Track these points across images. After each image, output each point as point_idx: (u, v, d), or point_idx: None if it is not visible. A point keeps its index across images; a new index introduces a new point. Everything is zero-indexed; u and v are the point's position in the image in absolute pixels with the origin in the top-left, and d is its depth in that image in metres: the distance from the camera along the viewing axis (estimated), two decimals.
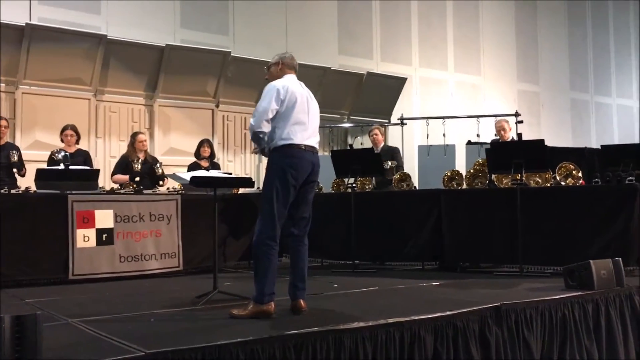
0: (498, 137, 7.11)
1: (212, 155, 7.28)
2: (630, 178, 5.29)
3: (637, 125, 15.36)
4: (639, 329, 4.34)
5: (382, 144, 7.33)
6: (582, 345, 4.02)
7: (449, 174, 6.36)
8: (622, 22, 15.39)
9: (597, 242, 5.19)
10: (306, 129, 3.72)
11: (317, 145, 3.83)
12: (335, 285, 5.02)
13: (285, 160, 3.65)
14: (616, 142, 13.73)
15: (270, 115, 3.66)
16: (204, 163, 7.06)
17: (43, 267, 5.28)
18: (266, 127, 3.67)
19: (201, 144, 7.22)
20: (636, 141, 12.75)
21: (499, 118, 7.47)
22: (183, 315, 3.75)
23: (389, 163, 6.91)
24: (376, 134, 7.29)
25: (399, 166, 7.20)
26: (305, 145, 3.69)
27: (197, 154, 7.20)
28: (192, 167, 6.93)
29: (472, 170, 6.28)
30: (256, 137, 3.74)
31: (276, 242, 3.64)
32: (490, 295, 4.20)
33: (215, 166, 7.18)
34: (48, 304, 4.20)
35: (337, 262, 6.46)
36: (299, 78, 3.96)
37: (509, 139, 6.91)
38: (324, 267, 6.46)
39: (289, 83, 3.77)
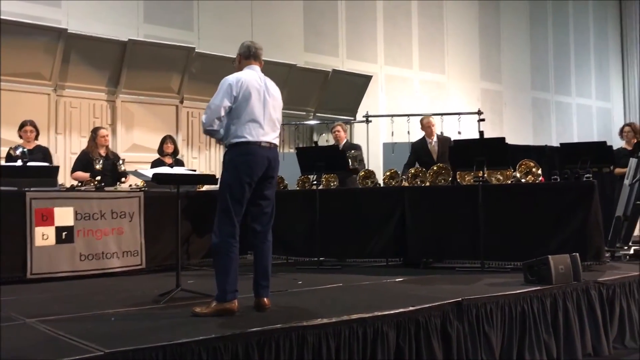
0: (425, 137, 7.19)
1: (176, 151, 7.20)
2: (588, 175, 5.42)
3: (595, 123, 15.77)
4: (595, 322, 4.46)
5: (345, 140, 7.36)
6: (540, 339, 4.11)
7: (412, 171, 6.42)
8: (582, 24, 15.77)
9: (556, 238, 5.31)
10: (262, 125, 3.67)
11: (275, 140, 3.78)
12: (300, 282, 5.02)
13: (239, 158, 3.63)
14: (575, 140, 14.07)
15: (223, 113, 3.63)
16: (168, 160, 6.97)
17: (0, 266, 5.13)
18: (217, 125, 3.66)
19: (164, 141, 7.13)
20: (595, 139, 13.08)
21: (423, 116, 7.52)
22: (144, 314, 3.70)
23: (352, 152, 6.96)
24: (338, 131, 7.30)
25: (361, 160, 7.20)
26: (260, 142, 3.66)
27: (160, 151, 7.11)
28: (155, 163, 6.84)
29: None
30: (209, 133, 3.76)
31: (235, 240, 3.62)
32: (452, 290, 4.26)
33: (179, 163, 7.10)
34: (5, 303, 4.08)
35: (302, 259, 6.45)
36: (265, 73, 3.90)
37: (434, 135, 7.07)
38: (288, 264, 6.45)
39: (245, 77, 3.71)
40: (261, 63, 3.89)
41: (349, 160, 6.54)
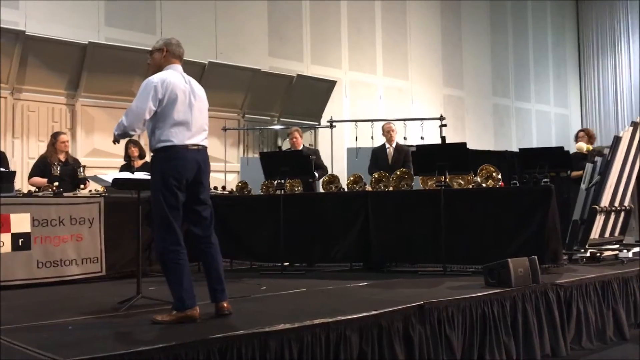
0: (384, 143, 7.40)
1: (142, 154, 7.05)
2: (546, 180, 5.54)
3: (553, 129, 16.16)
4: (553, 324, 4.55)
5: (302, 146, 7.37)
6: (500, 341, 4.17)
7: (376, 176, 6.46)
8: (541, 34, 16.16)
9: (515, 241, 5.41)
10: (189, 128, 3.55)
11: (204, 142, 3.66)
12: (263, 288, 4.99)
13: (166, 163, 3.51)
14: (535, 145, 14.38)
15: (147, 116, 3.49)
16: (137, 163, 6.84)
17: None
18: (140, 129, 3.53)
19: (127, 146, 6.99)
20: (553, 144, 13.39)
21: (386, 122, 7.74)
22: (103, 322, 3.63)
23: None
24: (296, 137, 7.32)
25: (322, 167, 7.25)
26: (188, 145, 3.54)
27: (126, 156, 6.97)
28: (123, 168, 6.70)
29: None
30: (125, 136, 3.61)
31: (181, 246, 3.51)
32: (414, 294, 4.30)
33: (148, 166, 6.89)
34: None
35: (266, 264, 6.43)
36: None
37: (394, 142, 7.33)
38: (252, 270, 6.42)
39: (170, 77, 3.56)
40: (182, 62, 3.75)
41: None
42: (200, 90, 3.72)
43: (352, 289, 4.93)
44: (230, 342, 3.03)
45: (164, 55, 3.68)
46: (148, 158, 7.80)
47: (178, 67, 3.68)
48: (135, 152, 6.94)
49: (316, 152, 7.52)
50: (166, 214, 3.49)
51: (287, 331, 3.22)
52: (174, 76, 3.59)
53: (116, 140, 3.68)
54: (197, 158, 3.59)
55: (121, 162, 7.03)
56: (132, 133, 3.60)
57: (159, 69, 3.68)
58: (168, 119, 3.51)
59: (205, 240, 3.67)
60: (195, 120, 3.60)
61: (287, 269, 6.09)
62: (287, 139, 7.75)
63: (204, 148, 3.67)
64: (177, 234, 3.51)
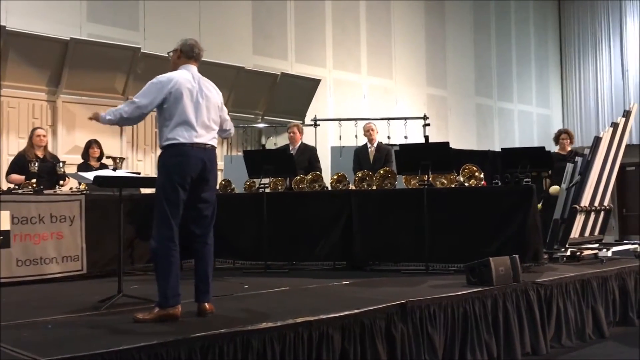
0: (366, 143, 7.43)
1: (101, 155, 6.98)
2: (527, 179, 5.59)
3: (535, 129, 16.31)
4: (533, 322, 4.60)
5: (300, 142, 7.35)
6: (481, 339, 4.21)
7: (359, 174, 6.47)
8: (523, 34, 16.29)
9: (497, 240, 5.45)
10: (195, 126, 3.60)
11: (211, 142, 3.70)
12: (246, 286, 4.98)
13: (170, 159, 3.57)
14: (517, 145, 14.49)
15: (147, 112, 3.63)
16: (95, 164, 6.77)
17: None
18: (135, 123, 3.71)
19: (89, 145, 6.89)
20: (535, 144, 13.49)
21: (367, 122, 7.80)
22: (84, 321, 3.60)
23: None
24: (294, 132, 7.29)
25: (317, 168, 7.24)
26: (193, 143, 3.58)
27: (86, 155, 6.87)
28: (81, 167, 6.62)
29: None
30: (116, 124, 3.78)
31: (175, 243, 3.54)
32: (396, 293, 4.31)
33: (103, 167, 6.80)
34: None
35: (249, 263, 6.41)
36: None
37: (375, 141, 7.35)
38: (235, 268, 6.39)
39: (178, 77, 3.64)
40: (198, 63, 3.83)
41: None
42: (210, 91, 3.74)
43: (334, 287, 4.94)
44: (212, 340, 3.02)
45: (178, 55, 3.78)
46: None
47: (191, 68, 3.75)
48: (96, 153, 6.86)
49: (313, 150, 7.47)
50: (165, 209, 3.53)
51: (269, 330, 3.22)
52: (182, 75, 3.66)
53: (104, 123, 3.75)
54: (203, 156, 3.62)
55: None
56: (127, 123, 3.74)
57: (175, 68, 3.77)
58: (174, 118, 3.57)
59: (201, 240, 3.71)
60: (202, 120, 3.64)
61: (270, 268, 6.08)
62: (278, 136, 7.71)
63: (212, 147, 3.71)
64: (172, 230, 3.54)
